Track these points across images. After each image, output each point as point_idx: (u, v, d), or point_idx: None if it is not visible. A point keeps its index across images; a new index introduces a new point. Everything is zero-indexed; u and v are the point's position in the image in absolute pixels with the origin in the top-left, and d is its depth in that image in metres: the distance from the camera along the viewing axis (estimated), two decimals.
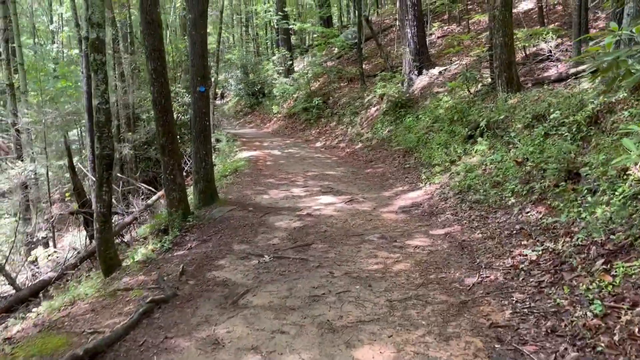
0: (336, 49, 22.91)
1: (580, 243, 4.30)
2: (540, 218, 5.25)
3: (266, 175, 10.92)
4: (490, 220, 5.94)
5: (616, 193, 4.42)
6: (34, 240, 13.31)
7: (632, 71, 2.74)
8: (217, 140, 15.27)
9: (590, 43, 6.84)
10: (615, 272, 3.67)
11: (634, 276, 3.53)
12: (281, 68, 23.82)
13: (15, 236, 11.00)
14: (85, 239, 10.57)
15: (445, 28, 18.11)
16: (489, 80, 10.37)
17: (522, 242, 4.97)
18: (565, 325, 3.41)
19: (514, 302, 3.92)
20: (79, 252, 9.78)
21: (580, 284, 3.79)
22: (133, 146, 15.29)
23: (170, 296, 4.29)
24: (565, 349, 3.18)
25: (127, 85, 14.79)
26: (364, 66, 17.64)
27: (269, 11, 26.14)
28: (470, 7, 18.37)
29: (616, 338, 3.09)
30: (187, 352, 3.52)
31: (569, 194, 5.16)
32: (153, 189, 12.68)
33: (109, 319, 4.05)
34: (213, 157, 13.92)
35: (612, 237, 4.06)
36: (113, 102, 15.16)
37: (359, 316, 3.96)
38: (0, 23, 12.92)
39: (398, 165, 10.64)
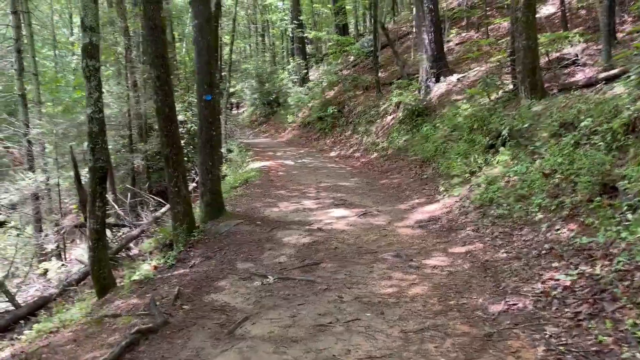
0: (352, 57, 22.57)
1: (621, 268, 3.78)
2: (573, 237, 4.73)
3: (277, 187, 10.54)
4: (515, 238, 5.43)
5: None
6: (44, 252, 13.13)
7: None
8: (229, 151, 14.97)
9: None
10: None
11: None
12: (296, 77, 23.55)
13: (16, 249, 10.77)
14: None
15: (463, 35, 17.60)
16: (511, 86, 9.85)
17: (553, 264, 4.45)
18: None
19: (547, 336, 3.42)
20: (86, 266, 9.52)
21: (626, 317, 3.28)
22: (145, 157, 15.08)
23: (160, 325, 3.90)
24: None
25: (139, 95, 14.61)
26: (379, 74, 17.22)
27: (284, 20, 25.96)
28: (489, 13, 17.85)
29: None
30: None
31: (605, 211, 4.63)
32: (163, 201, 12.39)
33: (89, 352, 3.67)
34: (224, 167, 13.70)
35: None
36: (125, 112, 15.02)
37: (369, 350, 3.50)
38: (12, 33, 12.86)
39: (415, 176, 10.15)
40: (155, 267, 6.76)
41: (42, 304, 7.34)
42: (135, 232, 10.03)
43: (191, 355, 3.51)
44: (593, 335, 3.27)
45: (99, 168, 5.02)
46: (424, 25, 13.22)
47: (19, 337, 5.53)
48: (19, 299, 9.40)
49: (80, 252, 12.12)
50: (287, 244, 6.52)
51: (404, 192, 9.30)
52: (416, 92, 13.68)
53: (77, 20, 32.78)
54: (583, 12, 14.12)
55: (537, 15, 13.59)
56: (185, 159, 15.96)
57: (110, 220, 12.06)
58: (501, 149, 7.80)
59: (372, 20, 17.34)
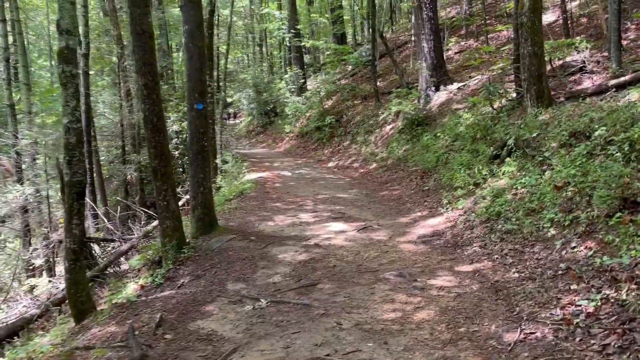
0: (350, 66, 22.31)
1: None
2: (591, 256, 4.35)
3: (273, 199, 10.14)
4: (527, 256, 5.04)
5: None
6: (33, 267, 12.70)
7: None
8: (224, 162, 14.59)
9: None
10: None
11: None
12: (294, 86, 23.26)
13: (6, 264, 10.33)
14: None
15: (463, 43, 17.35)
16: (514, 94, 9.53)
17: (572, 287, 4.06)
18: None
19: None
20: None
21: None
22: (138, 168, 14.70)
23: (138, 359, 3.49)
24: None
25: (132, 105, 14.26)
26: (378, 83, 16.93)
27: (282, 29, 25.76)
28: (488, 21, 17.60)
29: None
30: None
31: (626, 228, 4.26)
32: (155, 214, 11.97)
33: None
34: (219, 179, 13.30)
35: None
36: (117, 122, 14.67)
37: None
38: (0, 42, 12.52)
39: (416, 188, 9.77)
40: (142, 287, 6.37)
41: (22, 326, 6.90)
42: (124, 247, 9.61)
43: None
44: None
45: (77, 182, 4.63)
46: (423, 33, 12.94)
47: None
48: (4, 317, 8.96)
49: None
50: (282, 262, 6.12)
51: (405, 205, 8.92)
52: (416, 101, 13.36)
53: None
54: (584, 20, 13.89)
55: None
56: (181, 169, 15.63)
57: (101, 234, 11.65)
58: (507, 159, 7.44)
59: (370, 29, 17.09)
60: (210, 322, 4.32)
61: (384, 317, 4.21)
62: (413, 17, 16.12)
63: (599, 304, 3.62)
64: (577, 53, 9.53)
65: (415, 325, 4.01)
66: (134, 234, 10.37)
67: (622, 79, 7.09)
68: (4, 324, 7.42)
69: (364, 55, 21.03)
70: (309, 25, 28.08)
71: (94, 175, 13.31)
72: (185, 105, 16.09)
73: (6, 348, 5.98)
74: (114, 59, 15.94)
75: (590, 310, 3.60)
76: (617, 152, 5.12)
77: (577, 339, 3.37)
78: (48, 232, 13.29)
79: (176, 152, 15.19)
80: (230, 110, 34.65)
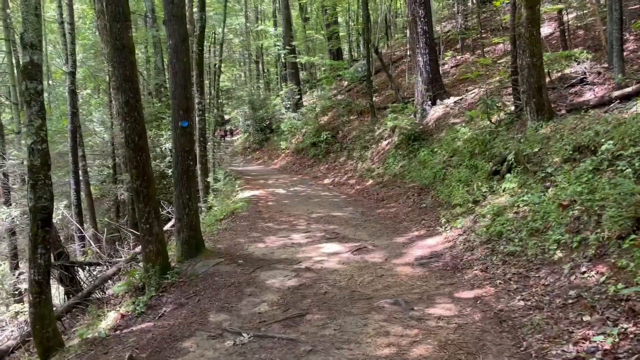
0: (346, 82, 22.12)
1: None
2: (603, 282, 3.97)
3: (265, 219, 9.76)
4: (532, 281, 4.66)
5: None
6: (17, 292, 12.27)
7: None
8: (216, 180, 14.24)
9: None
10: None
11: None
12: (289, 103, 23.04)
13: None
14: (64, 296, 9.44)
15: (459, 57, 17.14)
16: (513, 108, 9.23)
17: (584, 318, 3.68)
18: None
19: None
20: (56, 308, 8.64)
21: None
22: (128, 188, 14.32)
23: None
24: None
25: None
26: (374, 98, 16.68)
27: (277, 45, 25.63)
28: (484, 35, 17.43)
29: None
30: None
31: None
32: None
33: None
34: (210, 198, 12.94)
35: None
36: (108, 140, 14.35)
37: None
38: None
39: (413, 205, 9.40)
40: (123, 316, 5.99)
41: (2, 357, 6.47)
42: (110, 271, 9.20)
43: None
44: None
45: (41, 208, 4.27)
46: (418, 47, 12.70)
47: None
48: None
49: (54, 292, 11.24)
50: (270, 288, 5.73)
51: (401, 223, 8.54)
52: (412, 115, 13.06)
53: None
54: (581, 32, 13.69)
55: None
56: (173, 188, 15.26)
57: (86, 258, 11.23)
58: (507, 175, 7.10)
59: (366, 45, 16.88)
60: None
61: (377, 354, 3.81)
62: (408, 32, 15.94)
63: (617, 339, 3.23)
64: (577, 64, 9.26)
65: None
66: (121, 257, 9.96)
67: (627, 89, 6.79)
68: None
69: (359, 70, 20.85)
70: (304, 41, 27.98)
71: (82, 195, 12.95)
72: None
73: None
74: (108, 77, 15.71)
75: (607, 347, 3.21)
76: (627, 168, 4.77)
77: None
78: None
79: (169, 171, 14.86)
80: (228, 127, 34.47)
